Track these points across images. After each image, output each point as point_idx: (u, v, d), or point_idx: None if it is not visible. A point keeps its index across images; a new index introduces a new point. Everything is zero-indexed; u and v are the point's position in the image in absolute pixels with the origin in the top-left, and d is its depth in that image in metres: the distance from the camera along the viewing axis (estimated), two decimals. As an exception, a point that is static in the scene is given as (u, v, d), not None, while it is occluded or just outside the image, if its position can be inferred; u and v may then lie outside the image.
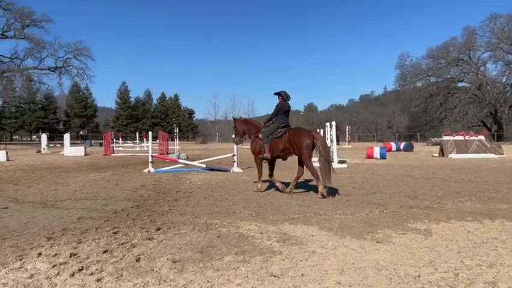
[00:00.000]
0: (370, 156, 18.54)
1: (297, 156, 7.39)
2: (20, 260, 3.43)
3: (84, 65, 51.85)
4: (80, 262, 3.36)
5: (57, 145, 34.24)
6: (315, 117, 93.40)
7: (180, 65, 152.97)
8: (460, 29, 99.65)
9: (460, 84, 60.74)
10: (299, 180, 7.71)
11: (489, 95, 55.12)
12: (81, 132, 73.01)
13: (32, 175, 11.24)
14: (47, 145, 28.82)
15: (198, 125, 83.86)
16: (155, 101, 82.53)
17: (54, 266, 3.27)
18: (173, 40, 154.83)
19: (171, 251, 3.66)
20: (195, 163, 12.81)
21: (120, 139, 37.10)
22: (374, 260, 3.38)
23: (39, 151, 27.37)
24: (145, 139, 32.12)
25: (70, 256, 3.52)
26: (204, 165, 12.59)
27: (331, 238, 4.14)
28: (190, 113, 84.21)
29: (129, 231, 4.47)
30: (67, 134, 27.99)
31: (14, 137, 70.00)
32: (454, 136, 20.19)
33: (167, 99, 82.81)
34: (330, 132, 14.61)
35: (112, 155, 23.47)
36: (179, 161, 13.46)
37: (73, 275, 3.07)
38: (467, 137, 19.82)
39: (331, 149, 14.12)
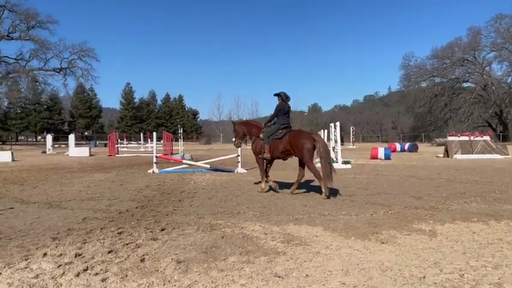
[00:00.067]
0: (374, 157, 18.50)
1: (296, 157, 7.43)
2: (26, 260, 3.45)
3: (89, 66, 52.17)
4: (85, 262, 3.37)
5: (62, 146, 34.39)
6: (319, 117, 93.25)
7: (184, 66, 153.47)
8: (464, 29, 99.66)
9: (465, 85, 60.52)
10: (301, 181, 7.73)
11: (494, 96, 54.84)
12: (86, 133, 73.30)
13: (38, 175, 11.30)
14: (52, 146, 28.98)
15: (202, 126, 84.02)
16: (159, 102, 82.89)
17: (59, 266, 3.28)
18: (177, 40, 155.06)
19: (176, 252, 3.67)
20: (199, 164, 12.83)
21: (125, 140, 37.17)
22: (378, 261, 3.37)
23: (44, 152, 27.51)
24: (149, 140, 32.21)
25: (75, 256, 3.53)
26: (208, 166, 12.60)
27: (335, 239, 4.14)
28: (195, 113, 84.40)
29: (134, 231, 4.48)
30: (71, 134, 28.08)
31: (19, 137, 70.48)
32: (458, 136, 20.09)
33: (171, 100, 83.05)
34: (334, 132, 14.58)
35: (117, 155, 23.54)
36: (184, 161, 13.49)
37: (78, 275, 3.08)
38: (472, 138, 19.71)
39: (335, 150, 14.13)
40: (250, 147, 8.40)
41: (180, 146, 23.65)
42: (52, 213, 5.70)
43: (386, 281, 2.91)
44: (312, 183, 8.53)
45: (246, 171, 11.91)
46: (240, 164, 12.06)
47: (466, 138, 19.76)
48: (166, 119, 78.99)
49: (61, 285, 2.90)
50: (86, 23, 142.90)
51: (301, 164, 7.42)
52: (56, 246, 3.86)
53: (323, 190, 6.88)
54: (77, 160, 19.14)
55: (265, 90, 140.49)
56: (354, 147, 37.45)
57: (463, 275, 3.04)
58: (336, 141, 14.35)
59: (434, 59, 60.25)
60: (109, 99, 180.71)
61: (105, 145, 37.64)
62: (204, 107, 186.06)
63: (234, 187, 8.49)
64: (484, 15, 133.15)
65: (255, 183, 8.79)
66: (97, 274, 3.10)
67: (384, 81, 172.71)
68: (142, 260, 3.42)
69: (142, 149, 28.64)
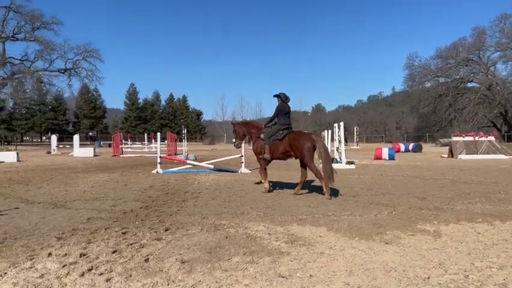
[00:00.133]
0: (378, 157, 18.45)
1: (298, 159, 7.47)
2: (31, 259, 3.47)
3: (93, 67, 52.48)
4: (90, 262, 3.39)
5: (67, 146, 34.50)
6: (323, 118, 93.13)
7: (188, 66, 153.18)
8: (469, 29, 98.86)
9: (470, 85, 60.10)
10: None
11: (499, 96, 54.47)
12: (90, 134, 73.60)
13: (42, 176, 11.36)
14: (57, 146, 29.11)
15: (205, 126, 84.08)
16: (163, 102, 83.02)
17: (64, 265, 3.30)
18: (180, 40, 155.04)
19: (180, 252, 3.68)
20: (203, 164, 12.85)
21: (129, 140, 37.37)
22: (382, 262, 3.36)
23: (49, 152, 27.64)
24: (153, 140, 32.31)
25: (80, 256, 3.55)
26: (212, 166, 12.62)
27: (339, 239, 4.13)
28: (198, 114, 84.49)
29: (138, 231, 4.50)
30: (76, 135, 28.19)
31: (24, 138, 70.84)
32: (463, 137, 20.01)
33: (175, 100, 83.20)
34: (338, 133, 14.55)
35: (121, 156, 23.61)
36: (188, 161, 13.51)
37: (82, 274, 3.09)
38: (476, 138, 19.63)
39: (339, 150, 14.10)
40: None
41: (184, 146, 23.69)
42: (57, 213, 5.73)
43: (391, 282, 2.90)
44: (313, 183, 8.52)
45: (249, 171, 11.91)
46: (243, 165, 12.07)
47: (471, 138, 19.68)
48: (170, 120, 79.14)
49: (66, 285, 2.91)
50: (90, 23, 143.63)
51: (303, 165, 7.46)
52: (61, 246, 3.88)
53: (325, 190, 6.92)
54: (82, 160, 19.22)
55: (268, 91, 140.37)
56: (358, 147, 37.39)
57: (468, 275, 3.03)
58: (340, 142, 14.33)
59: (438, 59, 59.94)
60: (114, 100, 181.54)
61: (109, 145, 37.78)
62: (208, 108, 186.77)
63: (238, 187, 8.50)
64: (488, 15, 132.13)
65: (255, 183, 8.81)
66: (101, 274, 3.11)
67: (388, 82, 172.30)
68: (146, 260, 3.43)
69: (146, 150, 28.70)
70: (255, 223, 4.91)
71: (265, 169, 7.88)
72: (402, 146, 27.63)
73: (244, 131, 8.34)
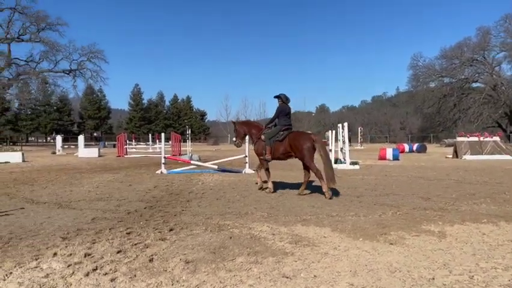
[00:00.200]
0: (383, 158, 18.41)
1: (298, 159, 7.50)
2: (36, 259, 3.49)
3: (98, 68, 52.57)
4: (95, 262, 3.40)
5: (72, 146, 34.73)
6: (326, 118, 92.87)
7: (192, 67, 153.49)
8: (473, 29, 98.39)
9: (474, 85, 59.78)
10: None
11: (504, 96, 54.14)
12: (95, 134, 73.77)
13: (47, 176, 11.41)
14: (62, 146, 29.21)
15: (209, 127, 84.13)
16: (167, 103, 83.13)
17: (69, 265, 3.32)
18: (182, 40, 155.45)
19: (184, 252, 3.69)
20: (207, 164, 12.86)
21: (133, 140, 37.46)
22: (387, 262, 3.35)
23: (54, 152, 27.74)
24: (157, 140, 32.35)
25: (85, 256, 3.57)
26: (216, 167, 12.63)
27: (343, 240, 4.13)
28: (202, 114, 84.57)
29: (142, 231, 4.51)
30: (81, 135, 28.35)
31: (29, 138, 71.28)
32: (468, 137, 19.92)
33: (179, 101, 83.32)
34: (342, 133, 14.53)
35: (125, 156, 23.67)
36: (192, 162, 13.54)
37: (87, 274, 3.11)
38: (481, 138, 19.53)
39: (343, 151, 14.08)
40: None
41: (188, 146, 23.75)
42: (62, 213, 5.76)
43: (395, 282, 2.90)
44: (314, 183, 8.51)
45: (253, 171, 11.89)
46: (247, 165, 12.07)
47: (476, 138, 19.58)
48: (174, 120, 79.25)
49: (71, 284, 2.93)
50: (95, 24, 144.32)
51: (306, 167, 7.48)
52: (66, 246, 3.90)
53: (324, 190, 6.96)
54: (86, 161, 19.29)
55: (272, 91, 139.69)
56: (362, 148, 37.31)
57: (473, 276, 3.02)
58: (344, 142, 14.30)
59: (442, 59, 59.67)
60: (118, 101, 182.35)
61: (114, 146, 37.82)
62: (212, 108, 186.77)
63: (242, 188, 8.50)
64: (493, 15, 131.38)
65: (256, 183, 8.80)
66: (106, 274, 3.12)
67: (393, 82, 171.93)
68: (151, 260, 3.44)
69: (150, 150, 28.75)
70: (259, 223, 4.92)
71: (268, 169, 7.89)
72: (406, 147, 27.56)
73: (244, 130, 8.40)
